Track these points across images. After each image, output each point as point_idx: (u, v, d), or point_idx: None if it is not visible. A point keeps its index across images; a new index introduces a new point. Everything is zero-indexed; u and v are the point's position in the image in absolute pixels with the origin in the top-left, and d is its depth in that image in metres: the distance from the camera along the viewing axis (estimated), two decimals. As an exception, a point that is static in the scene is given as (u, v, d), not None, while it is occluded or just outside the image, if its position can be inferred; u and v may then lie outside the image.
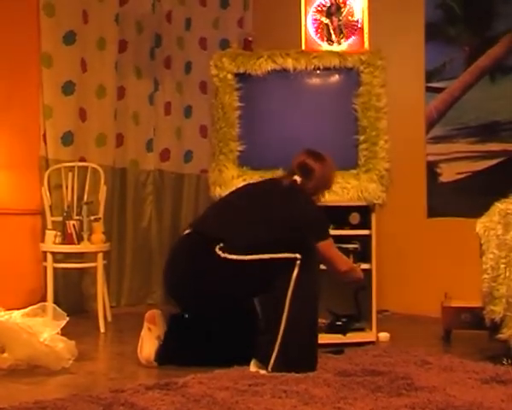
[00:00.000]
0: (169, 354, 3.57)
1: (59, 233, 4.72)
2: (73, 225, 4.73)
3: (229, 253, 3.36)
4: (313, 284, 3.34)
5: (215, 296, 3.44)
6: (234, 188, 3.99)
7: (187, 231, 3.61)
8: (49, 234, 4.73)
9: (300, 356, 3.28)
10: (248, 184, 3.90)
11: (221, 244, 3.38)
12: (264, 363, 3.27)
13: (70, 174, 5.05)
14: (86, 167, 5.16)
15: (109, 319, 4.94)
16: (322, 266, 3.57)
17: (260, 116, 4.32)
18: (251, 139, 4.27)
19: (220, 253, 3.36)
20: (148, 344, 3.60)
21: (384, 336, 4.31)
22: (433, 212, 5.32)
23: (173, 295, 3.60)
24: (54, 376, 3.37)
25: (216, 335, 3.58)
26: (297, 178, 3.72)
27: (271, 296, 3.32)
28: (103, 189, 5.06)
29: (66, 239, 4.71)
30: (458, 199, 5.17)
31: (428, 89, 5.37)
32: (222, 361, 3.32)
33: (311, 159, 3.75)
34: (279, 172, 4.10)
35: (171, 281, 3.58)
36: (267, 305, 3.40)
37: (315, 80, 4.33)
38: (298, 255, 3.27)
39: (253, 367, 3.30)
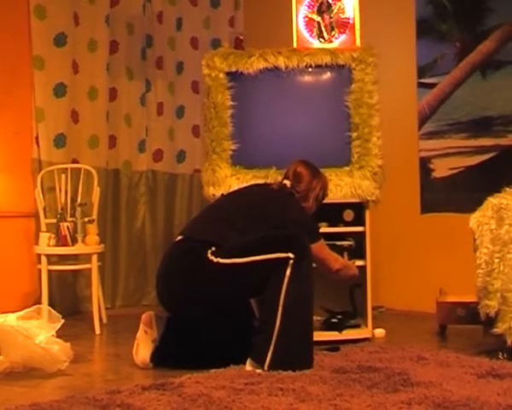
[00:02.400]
0: (165, 356, 3.56)
1: (53, 235, 4.72)
2: (67, 227, 4.72)
3: (222, 257, 3.35)
4: (307, 282, 3.33)
5: (210, 302, 3.43)
6: (225, 190, 4.00)
7: (178, 238, 3.60)
8: (43, 236, 4.72)
9: (296, 355, 3.28)
10: (237, 189, 3.91)
11: (212, 248, 3.38)
12: (259, 362, 3.26)
13: (63, 176, 5.04)
14: (79, 169, 5.16)
15: (104, 320, 4.94)
16: (314, 265, 3.57)
17: (253, 115, 4.32)
18: (244, 138, 4.27)
19: (212, 258, 3.36)
20: (144, 347, 3.59)
21: (380, 332, 4.32)
22: (426, 208, 5.32)
23: (167, 305, 3.57)
24: (50, 378, 3.37)
25: (212, 336, 3.58)
26: (286, 181, 3.78)
27: (265, 296, 3.32)
28: (96, 190, 5.05)
29: (61, 241, 4.70)
30: (451, 194, 5.18)
31: (420, 85, 5.38)
32: (218, 361, 3.32)
33: (302, 166, 3.83)
34: (272, 171, 4.12)
35: (165, 290, 3.55)
36: (261, 305, 3.40)
37: (307, 78, 4.34)
38: (290, 254, 3.27)
39: (248, 366, 3.29)
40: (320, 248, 3.64)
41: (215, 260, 3.35)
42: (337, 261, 3.77)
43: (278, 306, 3.24)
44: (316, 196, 3.81)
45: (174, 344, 3.59)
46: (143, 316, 3.67)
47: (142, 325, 3.65)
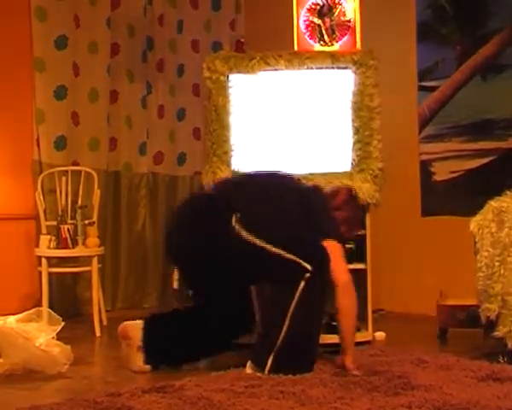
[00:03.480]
0: (157, 355, 3.53)
1: (53, 238, 4.72)
2: (68, 230, 4.72)
3: (244, 229, 3.28)
4: (320, 297, 3.29)
5: (216, 265, 3.35)
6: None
7: (206, 192, 3.52)
8: (44, 239, 4.72)
9: (298, 363, 3.23)
10: (273, 173, 3.73)
11: (238, 215, 3.31)
12: (259, 366, 3.24)
13: (64, 178, 5.04)
14: (80, 171, 5.16)
15: (105, 322, 4.93)
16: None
17: (253, 118, 4.32)
18: (244, 141, 4.27)
19: (236, 226, 3.28)
20: (134, 357, 3.53)
21: (380, 335, 4.31)
22: (427, 211, 5.32)
23: (175, 254, 3.54)
24: (50, 380, 3.37)
25: (198, 324, 3.56)
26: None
27: (275, 302, 3.29)
28: (97, 192, 5.05)
29: (61, 243, 4.70)
30: (452, 198, 5.18)
31: (421, 88, 5.38)
32: (206, 350, 3.36)
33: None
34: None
35: (180, 240, 3.48)
36: (269, 310, 3.34)
37: (307, 81, 4.33)
38: (308, 267, 3.21)
39: (248, 369, 3.29)
40: (332, 249, 3.38)
41: (237, 228, 3.29)
42: (345, 275, 3.39)
43: (287, 315, 3.21)
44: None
45: (159, 342, 3.55)
46: (118, 332, 3.59)
47: (121, 340, 3.58)
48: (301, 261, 3.24)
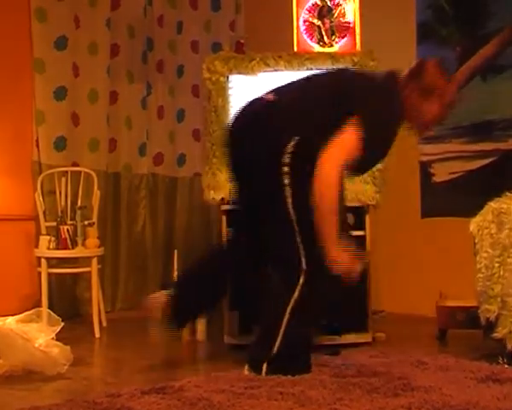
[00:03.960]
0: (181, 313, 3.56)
1: (53, 238, 4.71)
2: (67, 230, 4.72)
3: (291, 175, 3.15)
4: (315, 302, 3.25)
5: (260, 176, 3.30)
6: (225, 194, 3.92)
7: (273, 101, 3.39)
8: (43, 239, 4.72)
9: (292, 367, 3.19)
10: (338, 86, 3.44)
11: (296, 139, 3.17)
12: (255, 371, 3.22)
13: (63, 179, 5.05)
14: (79, 172, 5.16)
15: (104, 323, 4.93)
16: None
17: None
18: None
19: (284, 170, 3.16)
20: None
21: (380, 336, 4.31)
22: (426, 212, 5.32)
23: (232, 148, 3.52)
24: (49, 381, 3.37)
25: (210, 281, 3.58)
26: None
27: (272, 306, 3.28)
28: (97, 193, 5.05)
29: (61, 244, 4.70)
30: (452, 199, 5.17)
31: (421, 89, 5.37)
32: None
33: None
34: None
35: (242, 137, 3.43)
36: (267, 312, 3.33)
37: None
38: (304, 264, 3.17)
39: (247, 371, 3.28)
40: (343, 138, 3.18)
41: (287, 190, 3.17)
42: (321, 173, 3.09)
43: (281, 324, 3.19)
44: (437, 89, 3.37)
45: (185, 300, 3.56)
46: (144, 307, 3.58)
47: (150, 313, 3.54)
48: (301, 253, 3.20)
